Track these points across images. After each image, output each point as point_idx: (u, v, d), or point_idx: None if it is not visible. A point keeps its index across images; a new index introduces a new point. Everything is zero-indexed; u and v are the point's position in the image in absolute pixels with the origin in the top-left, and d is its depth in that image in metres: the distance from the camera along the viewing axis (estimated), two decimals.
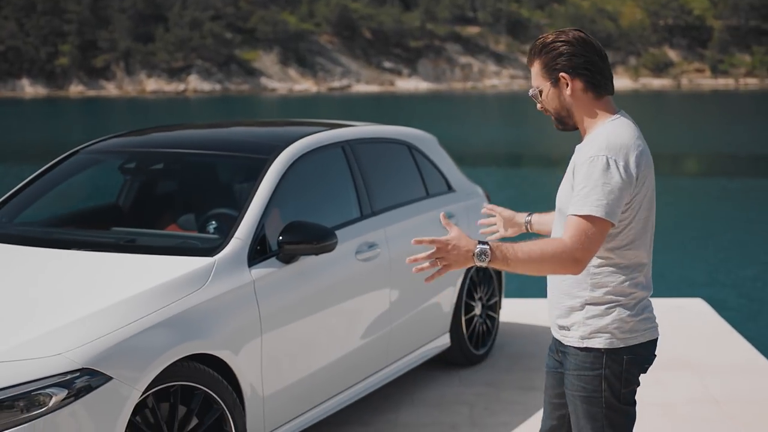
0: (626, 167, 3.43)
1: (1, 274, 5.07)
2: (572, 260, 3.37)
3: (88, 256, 5.19)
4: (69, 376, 4.15)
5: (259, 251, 5.24)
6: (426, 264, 3.43)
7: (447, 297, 6.86)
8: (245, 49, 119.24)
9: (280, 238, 5.26)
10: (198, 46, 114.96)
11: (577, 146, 3.67)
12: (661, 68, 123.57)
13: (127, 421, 4.30)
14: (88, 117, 67.87)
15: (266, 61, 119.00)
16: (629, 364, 3.59)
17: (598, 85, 3.59)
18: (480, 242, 3.36)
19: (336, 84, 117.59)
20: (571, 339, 3.61)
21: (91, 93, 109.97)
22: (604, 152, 3.44)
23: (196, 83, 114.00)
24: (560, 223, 3.61)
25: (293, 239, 5.25)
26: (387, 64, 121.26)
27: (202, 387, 4.65)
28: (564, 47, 3.56)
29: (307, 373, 5.43)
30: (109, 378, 4.24)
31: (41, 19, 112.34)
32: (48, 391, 4.10)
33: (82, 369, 4.18)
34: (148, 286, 4.70)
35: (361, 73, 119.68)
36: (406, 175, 6.86)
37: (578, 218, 3.40)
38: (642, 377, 3.72)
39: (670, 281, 15.01)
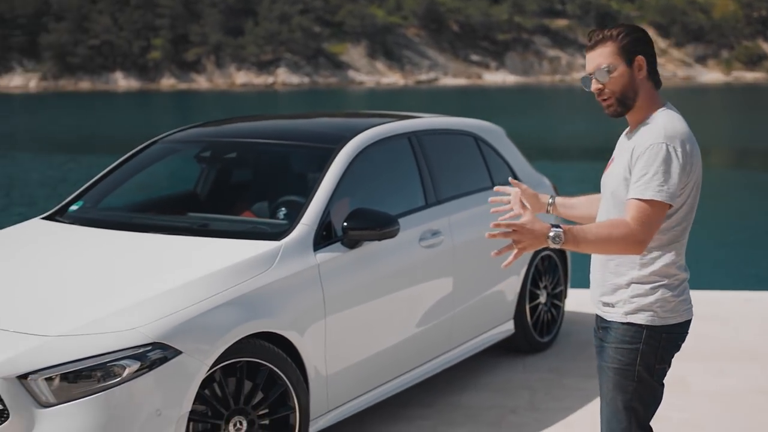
0: (683, 154, 3.66)
1: (84, 255, 5.41)
2: (637, 242, 3.60)
3: (163, 239, 5.51)
4: (142, 350, 4.45)
5: (324, 237, 5.49)
6: (501, 248, 3.63)
7: (511, 285, 7.04)
8: (333, 43, 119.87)
9: (345, 224, 5.50)
10: (287, 40, 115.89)
11: (625, 133, 3.91)
12: (754, 61, 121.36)
13: (195, 393, 4.59)
14: (179, 109, 68.97)
15: (354, 54, 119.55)
16: (666, 341, 3.79)
17: (655, 74, 3.84)
18: (553, 226, 3.58)
19: (423, 77, 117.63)
20: (615, 315, 3.81)
21: (182, 86, 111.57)
22: (663, 140, 3.66)
23: (284, 76, 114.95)
24: (611, 207, 3.82)
25: (357, 225, 5.49)
26: (474, 57, 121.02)
27: (267, 363, 4.91)
28: (641, 35, 3.81)
29: (370, 354, 5.67)
30: (179, 352, 4.53)
31: (135, 13, 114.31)
32: (122, 362, 4.41)
33: (154, 343, 4.48)
34: (218, 267, 5.00)
35: (449, 66, 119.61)
36: (471, 166, 7.04)
37: (641, 202, 3.62)
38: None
39: (740, 274, 14.96)
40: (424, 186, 6.36)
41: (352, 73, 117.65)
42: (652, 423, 5.42)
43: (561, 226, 3.59)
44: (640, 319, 3.76)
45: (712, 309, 8.70)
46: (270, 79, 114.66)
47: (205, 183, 6.86)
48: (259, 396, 4.95)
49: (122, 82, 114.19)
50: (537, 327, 7.40)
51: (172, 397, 4.51)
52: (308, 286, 5.25)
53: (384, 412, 6.24)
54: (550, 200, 4.33)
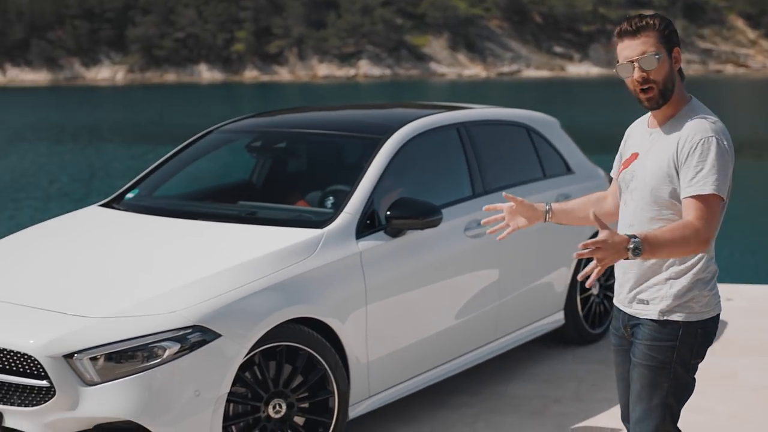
0: (729, 147, 3.69)
1: (132, 240, 5.61)
2: (705, 240, 3.59)
3: (211, 226, 5.68)
4: (182, 332, 4.63)
5: (368, 225, 5.60)
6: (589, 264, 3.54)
7: (561, 276, 7.07)
8: (415, 35, 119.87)
9: (388, 213, 5.60)
10: (369, 32, 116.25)
11: (648, 127, 3.88)
12: None
13: (233, 375, 4.74)
14: (260, 101, 69.63)
15: (436, 46, 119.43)
16: (701, 336, 3.79)
17: (681, 70, 3.83)
18: (630, 237, 3.48)
19: (505, 69, 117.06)
20: (650, 312, 3.80)
21: (265, 78, 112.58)
22: (713, 134, 3.66)
23: (366, 68, 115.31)
24: (646, 204, 3.79)
25: (400, 214, 5.58)
26: (557, 49, 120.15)
27: (306, 348, 5.05)
28: (673, 26, 3.79)
29: (412, 341, 5.76)
30: (219, 335, 4.69)
31: (219, 6, 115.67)
32: (163, 344, 4.59)
33: (194, 326, 4.65)
34: (260, 253, 5.15)
35: (531, 58, 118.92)
36: (522, 156, 7.09)
37: (703, 198, 3.60)
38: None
39: None
40: (472, 176, 6.43)
41: (433, 65, 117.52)
42: (699, 414, 5.48)
43: (636, 235, 3.50)
44: (678, 316, 3.75)
45: (761, 303, 8.64)
46: (352, 71, 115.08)
47: (260, 173, 7.03)
48: (299, 380, 5.08)
49: (206, 74, 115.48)
50: (588, 318, 7.42)
51: (211, 378, 4.66)
52: (350, 273, 5.36)
53: (429, 399, 6.33)
54: (547, 207, 4.26)
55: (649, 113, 3.91)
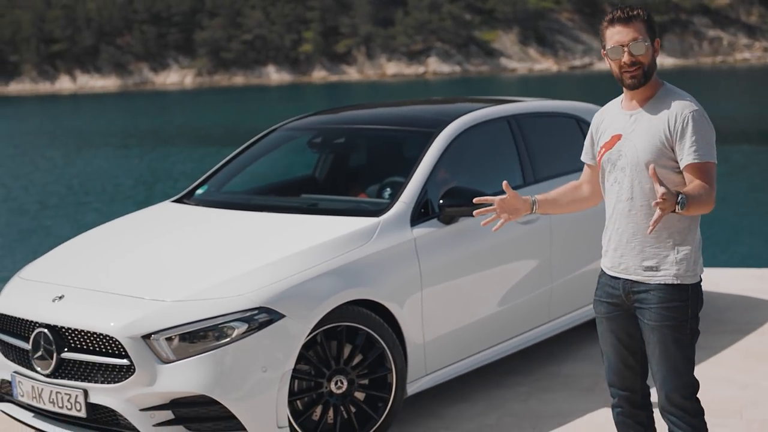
0: (709, 120, 4.15)
1: (203, 231, 6.06)
2: (714, 200, 4.05)
3: (275, 216, 6.12)
4: (249, 313, 5.03)
5: (422, 214, 5.96)
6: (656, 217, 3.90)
7: None
8: (484, 30, 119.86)
9: (441, 201, 5.95)
10: (437, 29, 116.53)
11: (624, 110, 4.25)
12: None
13: (297, 353, 5.13)
14: (329, 101, 70.20)
15: (506, 41, 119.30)
16: (701, 293, 4.25)
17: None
18: (677, 192, 3.87)
19: (577, 62, 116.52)
20: (662, 277, 4.16)
21: (333, 78, 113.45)
22: (698, 107, 4.14)
23: (435, 65, 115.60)
24: (642, 177, 4.13)
25: (453, 202, 5.93)
26: None
27: (364, 328, 5.42)
28: (654, 21, 4.23)
29: (466, 323, 6.09)
30: (283, 315, 5.08)
31: (286, 7, 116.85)
32: (232, 324, 5.00)
33: (260, 308, 5.05)
34: (320, 241, 5.54)
35: None
36: (572, 147, 7.34)
37: (705, 165, 4.05)
38: None
39: None
40: (523, 166, 6.74)
41: (504, 61, 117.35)
42: (745, 390, 5.78)
43: (681, 192, 3.89)
44: (689, 279, 4.16)
45: None
46: (421, 69, 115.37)
47: (322, 168, 7.41)
48: (359, 358, 5.45)
49: (275, 75, 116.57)
50: None
51: (277, 355, 5.06)
52: (405, 258, 5.72)
53: (485, 379, 6.66)
54: (533, 199, 4.56)
55: (619, 99, 4.34)
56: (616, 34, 4.17)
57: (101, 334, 5.05)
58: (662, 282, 4.16)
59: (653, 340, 4.22)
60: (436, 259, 5.88)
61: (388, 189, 6.46)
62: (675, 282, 4.15)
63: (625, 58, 4.15)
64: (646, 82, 4.18)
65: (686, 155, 4.06)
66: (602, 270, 4.42)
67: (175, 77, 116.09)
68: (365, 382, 5.49)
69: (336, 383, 5.36)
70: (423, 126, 6.60)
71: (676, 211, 3.86)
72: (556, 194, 4.64)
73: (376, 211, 5.91)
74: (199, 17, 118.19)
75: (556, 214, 4.75)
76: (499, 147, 6.80)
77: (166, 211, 6.64)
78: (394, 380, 5.54)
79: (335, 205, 6.34)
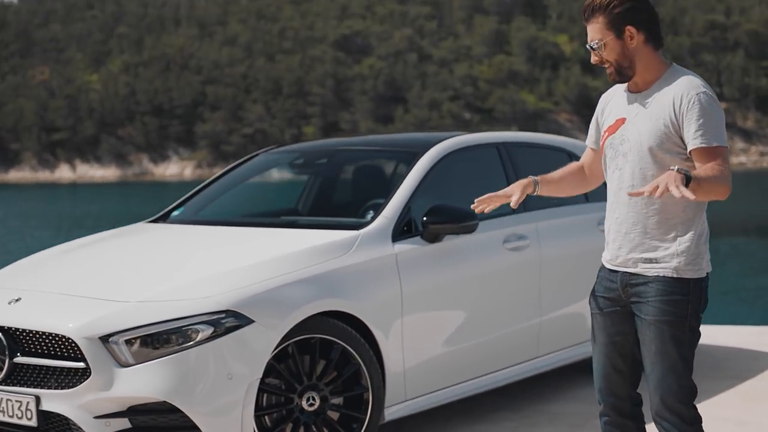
0: (718, 101, 3.84)
1: (176, 242, 5.83)
2: (729, 185, 3.74)
3: (253, 230, 5.88)
4: (215, 316, 4.72)
5: (405, 231, 5.68)
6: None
7: None
8: (483, 129, 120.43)
9: (424, 218, 5.67)
10: (437, 126, 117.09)
11: (629, 92, 3.98)
12: None
13: (266, 361, 4.80)
14: None
15: None
16: (705, 289, 3.91)
17: (657, 38, 3.94)
18: (680, 169, 3.62)
19: None
20: (661, 270, 3.86)
21: None
22: (705, 89, 3.82)
23: None
24: (646, 164, 3.86)
25: (436, 219, 5.65)
26: None
27: (339, 341, 5.09)
28: (628, 3, 3.88)
29: (449, 349, 5.75)
30: (252, 321, 4.77)
31: (287, 102, 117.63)
32: (197, 327, 4.69)
33: (228, 311, 4.74)
34: (296, 249, 5.25)
35: None
36: None
37: (714, 149, 3.76)
38: None
39: None
40: None
41: None
42: (746, 426, 5.41)
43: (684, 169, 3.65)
44: (690, 273, 3.84)
45: None
46: None
47: (307, 195, 7.11)
48: (333, 374, 5.11)
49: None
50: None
51: (243, 363, 4.73)
52: (385, 273, 5.42)
53: (471, 413, 6.32)
54: (535, 180, 4.32)
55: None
56: (587, 33, 3.98)
57: (57, 335, 4.73)
58: (661, 274, 3.87)
59: (649, 336, 3.89)
60: (418, 278, 5.58)
61: (371, 211, 6.19)
62: (674, 275, 3.85)
63: (593, 59, 3.97)
64: (626, 78, 3.94)
65: (692, 139, 3.78)
66: (602, 264, 4.13)
67: (175, 168, 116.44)
68: (339, 400, 5.15)
69: (308, 400, 5.01)
70: (409, 147, 6.39)
71: (689, 176, 3.55)
72: (558, 175, 4.38)
73: (357, 225, 5.64)
74: (201, 110, 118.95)
75: (557, 195, 4.45)
76: (487, 172, 6.56)
77: (138, 228, 6.39)
78: (371, 400, 5.20)
79: (315, 221, 6.09)
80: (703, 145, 3.76)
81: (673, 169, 3.61)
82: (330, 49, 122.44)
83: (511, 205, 4.20)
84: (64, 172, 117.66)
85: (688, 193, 3.51)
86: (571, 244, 6.63)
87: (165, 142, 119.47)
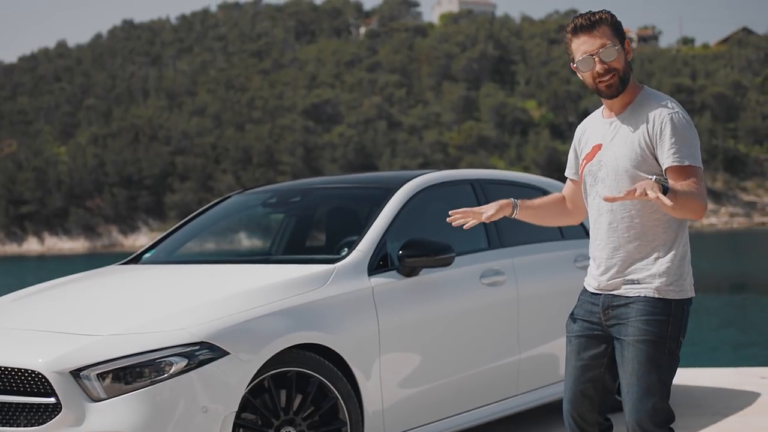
0: (692, 123, 3.83)
1: (148, 279, 5.73)
2: (705, 203, 3.71)
3: (227, 267, 5.84)
4: (190, 348, 4.61)
5: (381, 265, 5.60)
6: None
7: None
8: None
9: (400, 252, 5.60)
10: None
11: (604, 118, 3.99)
12: None
13: (242, 394, 4.68)
14: None
15: None
16: (687, 313, 3.87)
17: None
18: (658, 178, 3.62)
19: None
20: (643, 290, 3.82)
21: None
22: (678, 110, 3.82)
23: None
24: (621, 187, 3.82)
25: (412, 253, 5.58)
26: None
27: (316, 375, 4.98)
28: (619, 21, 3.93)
29: (428, 383, 5.66)
30: (226, 353, 4.65)
31: (257, 171, 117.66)
32: (170, 359, 4.56)
33: (202, 342, 4.63)
34: (271, 281, 5.17)
35: None
36: None
37: (687, 168, 3.74)
38: None
39: None
40: (487, 229, 6.41)
41: None
42: None
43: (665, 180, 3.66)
44: (672, 294, 3.81)
45: None
46: None
47: (281, 237, 7.01)
48: (311, 409, 5.00)
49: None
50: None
51: (218, 396, 4.61)
52: (361, 306, 5.34)
53: None
54: (515, 202, 4.31)
55: (601, 109, 4.05)
56: (582, 45, 3.89)
57: (26, 371, 4.59)
58: (642, 294, 3.83)
59: (628, 357, 3.84)
60: (395, 312, 5.49)
61: (346, 248, 6.11)
62: (656, 295, 3.81)
63: (598, 67, 3.87)
64: (624, 89, 3.90)
65: (666, 158, 3.76)
66: (584, 287, 4.08)
67: (145, 239, 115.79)
68: None
69: None
70: (383, 183, 6.37)
71: (666, 186, 3.53)
72: (538, 202, 4.35)
73: (332, 260, 5.56)
74: (170, 180, 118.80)
75: (536, 222, 4.39)
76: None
77: (109, 269, 6.28)
78: None
79: (290, 258, 6.02)
80: (676, 164, 3.74)
81: (650, 178, 3.59)
82: (299, 117, 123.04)
83: (483, 218, 4.14)
84: (32, 245, 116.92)
85: (665, 199, 3.48)
86: (548, 280, 6.57)
87: (134, 213, 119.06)
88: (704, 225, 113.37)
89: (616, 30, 3.90)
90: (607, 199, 3.63)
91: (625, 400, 3.86)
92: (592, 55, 3.86)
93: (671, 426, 3.89)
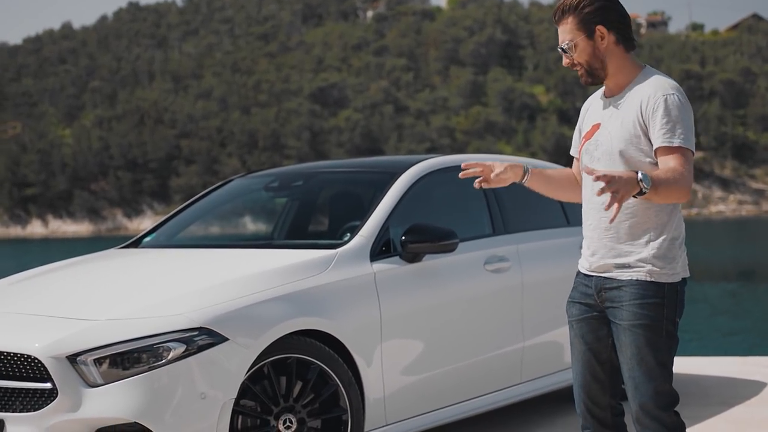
0: (688, 102, 3.76)
1: (147, 263, 5.67)
2: (689, 187, 3.64)
3: (228, 251, 5.76)
4: (188, 334, 4.53)
5: (384, 251, 5.52)
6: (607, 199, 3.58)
7: None
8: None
9: (403, 237, 5.52)
10: None
11: (603, 97, 3.93)
12: None
13: (241, 381, 4.61)
14: None
15: None
16: (682, 293, 3.82)
17: (629, 39, 3.87)
18: (636, 171, 3.52)
19: None
20: (635, 273, 3.77)
21: None
22: (673, 91, 3.74)
23: None
24: (615, 168, 3.78)
25: (415, 238, 5.50)
26: None
27: (316, 362, 4.90)
28: (602, 3, 3.82)
29: (430, 371, 5.59)
30: (225, 339, 4.58)
31: (262, 155, 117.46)
32: (168, 345, 4.49)
33: (201, 328, 4.56)
34: (272, 267, 5.10)
35: None
36: (546, 203, 6.95)
37: (677, 150, 3.66)
38: None
39: None
40: (492, 215, 6.33)
41: None
42: None
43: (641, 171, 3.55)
44: (664, 277, 3.77)
45: None
46: None
47: (283, 222, 6.93)
48: (311, 396, 4.93)
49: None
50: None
51: (217, 382, 4.55)
52: (363, 292, 5.27)
53: None
54: (526, 167, 4.19)
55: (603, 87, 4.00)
56: (558, 36, 3.92)
57: (23, 356, 4.52)
58: (635, 278, 3.77)
59: (625, 341, 3.79)
60: (398, 298, 5.41)
61: (348, 234, 6.04)
62: (648, 279, 3.76)
63: (564, 61, 3.90)
64: (598, 80, 3.88)
65: (656, 138, 3.71)
66: (578, 270, 4.02)
67: (149, 223, 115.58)
68: (317, 423, 4.95)
69: (285, 422, 4.81)
70: (387, 168, 6.28)
71: (644, 191, 3.48)
72: (550, 173, 4.25)
73: (334, 245, 5.48)
74: (175, 164, 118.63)
75: (545, 193, 4.25)
76: (467, 194, 6.41)
77: (109, 253, 6.20)
78: (350, 422, 5.00)
79: (291, 243, 5.94)
80: (666, 144, 3.68)
81: (637, 174, 3.50)
82: (306, 101, 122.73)
83: (491, 176, 4.04)
84: (36, 228, 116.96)
85: (614, 211, 3.42)
86: (553, 267, 6.48)
87: (139, 197, 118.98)
88: (712, 212, 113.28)
89: (583, 20, 3.82)
90: (586, 171, 3.57)
91: (628, 386, 3.82)
92: (560, 47, 3.88)
93: (676, 409, 3.83)
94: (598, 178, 3.42)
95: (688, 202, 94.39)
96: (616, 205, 3.42)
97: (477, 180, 4.12)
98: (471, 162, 4.12)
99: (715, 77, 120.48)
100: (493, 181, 4.12)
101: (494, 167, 4.10)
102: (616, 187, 3.42)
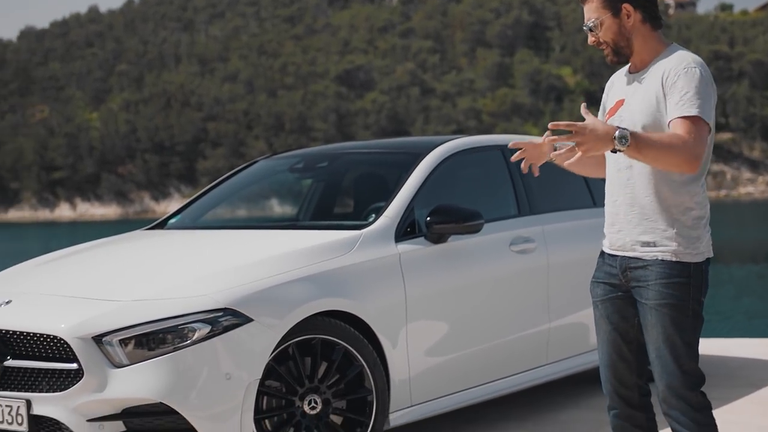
0: (711, 79, 3.72)
1: (173, 244, 5.69)
2: (692, 155, 3.56)
3: (253, 232, 5.77)
4: (213, 314, 4.54)
5: (409, 232, 5.51)
6: (565, 149, 3.61)
7: None
8: None
9: (428, 218, 5.51)
10: None
11: (628, 73, 3.91)
12: None
13: (266, 361, 4.62)
14: None
15: None
16: (706, 273, 3.79)
17: (655, 17, 3.84)
18: (619, 127, 3.51)
19: None
20: (660, 253, 3.74)
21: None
22: (695, 65, 3.70)
23: None
24: None
25: (440, 219, 5.48)
26: None
27: (342, 342, 4.90)
28: None
29: (455, 352, 5.58)
30: (250, 320, 4.59)
31: (289, 137, 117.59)
32: (193, 326, 4.51)
33: (225, 309, 4.57)
34: (296, 247, 5.10)
35: None
36: (572, 184, 6.92)
37: (689, 119, 3.60)
38: None
39: None
40: (518, 196, 6.30)
41: None
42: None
43: (625, 127, 3.55)
44: (689, 256, 3.74)
45: None
46: None
47: (309, 203, 6.93)
48: (336, 377, 4.93)
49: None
50: None
51: (242, 362, 4.56)
52: (388, 273, 5.26)
53: (478, 421, 6.14)
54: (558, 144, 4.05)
55: (629, 64, 3.97)
56: (584, 15, 3.89)
57: (49, 336, 4.55)
58: (660, 257, 3.74)
59: (651, 321, 3.77)
60: (423, 279, 5.40)
61: (373, 214, 6.03)
62: (673, 259, 3.73)
63: (590, 39, 3.89)
64: (624, 58, 3.86)
65: (671, 110, 3.66)
66: (602, 250, 4.00)
67: (176, 206, 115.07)
68: (342, 404, 4.96)
69: (309, 403, 4.82)
70: (412, 149, 6.25)
71: (617, 148, 3.46)
72: None
73: (359, 226, 5.48)
74: (202, 146, 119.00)
75: (578, 171, 4.15)
76: (492, 175, 6.40)
77: (134, 234, 6.23)
78: (375, 403, 5.00)
79: (316, 224, 5.97)
80: (678, 115, 3.62)
81: (616, 130, 3.49)
82: (332, 84, 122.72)
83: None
84: (64, 211, 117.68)
85: (560, 159, 3.66)
86: (579, 248, 6.44)
87: (166, 180, 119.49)
88: (741, 194, 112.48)
89: (609, 0, 3.80)
90: (552, 125, 3.57)
91: (654, 366, 3.79)
92: (586, 26, 3.86)
93: (702, 390, 3.80)
94: (567, 127, 3.44)
95: (717, 184, 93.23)
96: (567, 152, 3.52)
97: (523, 162, 4.01)
98: (518, 142, 4.01)
99: (744, 58, 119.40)
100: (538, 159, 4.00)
101: (543, 146, 3.96)
102: (581, 140, 3.44)
